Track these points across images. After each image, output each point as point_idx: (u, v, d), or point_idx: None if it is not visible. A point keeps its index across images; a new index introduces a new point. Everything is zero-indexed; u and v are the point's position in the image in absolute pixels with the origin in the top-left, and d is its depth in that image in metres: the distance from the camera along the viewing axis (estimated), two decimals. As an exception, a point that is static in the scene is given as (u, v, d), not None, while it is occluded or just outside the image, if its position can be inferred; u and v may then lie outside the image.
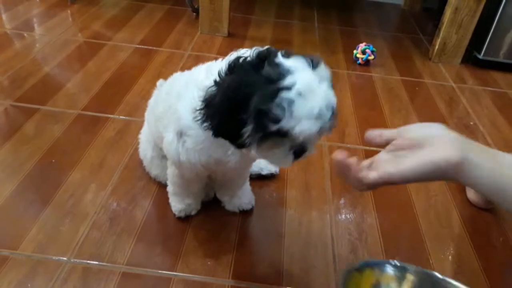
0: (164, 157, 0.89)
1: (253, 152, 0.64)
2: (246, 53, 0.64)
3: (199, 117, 0.66)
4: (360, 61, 1.72)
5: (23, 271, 0.79)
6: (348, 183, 0.55)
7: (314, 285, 0.83)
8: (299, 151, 0.64)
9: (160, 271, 0.82)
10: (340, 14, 2.26)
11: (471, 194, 1.07)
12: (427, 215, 1.03)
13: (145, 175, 1.03)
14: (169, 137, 0.78)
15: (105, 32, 1.77)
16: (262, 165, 1.06)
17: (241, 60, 0.62)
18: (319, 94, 0.58)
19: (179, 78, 0.86)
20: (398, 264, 0.66)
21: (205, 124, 0.65)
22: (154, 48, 1.67)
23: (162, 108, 0.83)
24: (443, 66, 1.81)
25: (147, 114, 0.99)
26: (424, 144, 0.51)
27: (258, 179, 1.06)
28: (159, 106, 0.86)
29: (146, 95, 0.99)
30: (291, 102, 0.57)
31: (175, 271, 0.82)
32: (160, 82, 0.98)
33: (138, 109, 1.26)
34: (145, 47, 1.68)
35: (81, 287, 0.77)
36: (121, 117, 1.24)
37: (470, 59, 1.83)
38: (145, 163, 1.02)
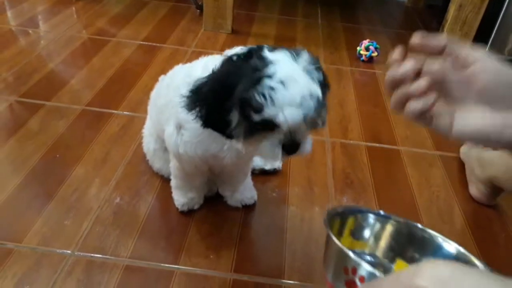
0: (166, 150, 0.90)
1: (240, 144, 0.65)
2: (241, 50, 0.66)
3: (186, 104, 0.68)
4: (363, 58, 1.71)
5: (28, 263, 0.80)
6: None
7: (315, 280, 0.83)
8: (289, 144, 0.64)
9: (162, 264, 0.83)
10: (344, 11, 2.26)
11: (473, 190, 1.07)
12: (430, 210, 1.03)
13: (148, 170, 1.04)
14: (170, 129, 0.80)
15: (109, 29, 1.78)
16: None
17: (234, 57, 0.65)
18: (300, 83, 0.60)
19: (179, 71, 0.87)
20: (382, 213, 0.68)
21: (193, 112, 0.67)
22: (158, 44, 1.68)
23: (164, 101, 0.85)
24: (447, 63, 1.80)
25: (149, 107, 1.00)
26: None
27: (261, 174, 1.07)
28: (161, 99, 0.87)
29: (149, 91, 0.99)
30: (272, 89, 0.59)
31: (178, 265, 0.83)
32: (161, 77, 0.98)
33: (142, 105, 1.27)
34: (149, 43, 1.68)
35: (85, 280, 0.78)
36: (124, 112, 1.25)
37: (474, 56, 1.82)
38: (148, 156, 1.03)
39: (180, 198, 0.93)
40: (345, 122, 1.32)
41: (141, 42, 1.69)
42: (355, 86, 1.54)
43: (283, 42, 1.83)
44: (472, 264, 0.58)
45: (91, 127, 1.18)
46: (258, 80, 0.59)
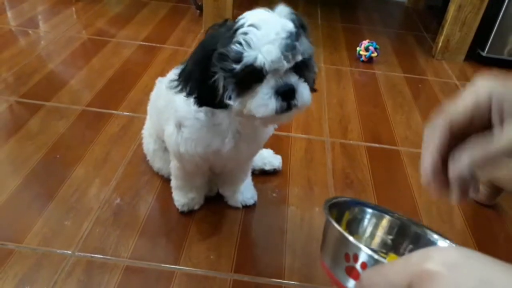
0: (166, 150, 0.90)
1: (236, 104, 0.65)
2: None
3: (175, 86, 0.69)
4: (363, 58, 1.72)
5: (28, 264, 0.80)
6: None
7: (315, 280, 0.84)
8: (283, 89, 0.63)
9: (163, 265, 0.83)
10: (343, 11, 2.26)
11: (473, 191, 1.07)
12: (429, 210, 1.03)
13: (148, 170, 1.04)
14: (170, 129, 0.80)
15: (109, 29, 1.78)
16: (266, 160, 1.06)
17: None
18: (272, 21, 0.62)
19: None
20: (380, 208, 0.68)
21: (184, 93, 0.68)
22: (158, 45, 1.68)
23: (164, 102, 0.85)
24: (447, 63, 1.81)
25: (149, 107, 1.00)
26: None
27: (261, 175, 1.07)
28: (161, 100, 0.88)
29: (149, 92, 1.00)
30: (246, 34, 0.60)
31: (178, 265, 0.83)
32: (159, 79, 0.99)
33: (142, 105, 1.27)
34: (149, 44, 1.68)
35: (85, 280, 0.78)
36: (124, 113, 1.25)
37: (474, 56, 1.82)
38: (148, 156, 1.03)
39: (180, 198, 0.93)
40: (345, 122, 1.33)
41: (141, 43, 1.69)
42: (355, 86, 1.54)
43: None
44: None
45: (91, 128, 1.18)
46: (233, 34, 0.62)
